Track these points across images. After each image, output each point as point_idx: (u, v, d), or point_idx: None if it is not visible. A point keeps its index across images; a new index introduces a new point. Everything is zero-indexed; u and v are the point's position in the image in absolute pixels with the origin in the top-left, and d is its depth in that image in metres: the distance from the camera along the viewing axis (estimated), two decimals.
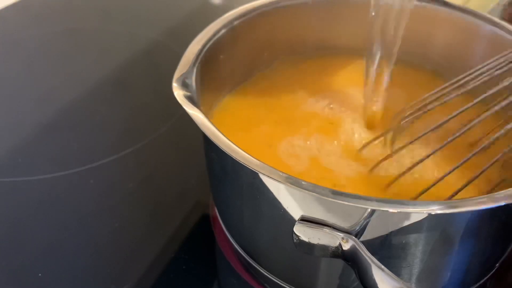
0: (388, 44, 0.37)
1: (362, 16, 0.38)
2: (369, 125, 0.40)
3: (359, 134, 0.39)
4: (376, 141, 0.37)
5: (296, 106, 0.42)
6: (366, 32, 0.38)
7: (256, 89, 0.44)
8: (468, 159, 0.32)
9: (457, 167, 0.31)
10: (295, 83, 0.45)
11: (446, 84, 0.36)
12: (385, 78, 0.38)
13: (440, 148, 0.33)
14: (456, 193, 0.31)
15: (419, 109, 0.35)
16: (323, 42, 0.48)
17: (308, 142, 0.38)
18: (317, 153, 0.37)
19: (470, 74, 0.35)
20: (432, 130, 0.34)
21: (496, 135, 0.32)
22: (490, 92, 0.33)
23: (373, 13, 0.37)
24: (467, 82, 0.35)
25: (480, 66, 0.36)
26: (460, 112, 0.33)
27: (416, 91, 0.39)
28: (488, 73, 0.35)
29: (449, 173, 0.31)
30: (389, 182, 0.34)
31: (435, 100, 0.35)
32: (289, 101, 0.43)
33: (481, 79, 0.35)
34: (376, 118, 0.39)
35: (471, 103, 0.33)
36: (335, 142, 0.38)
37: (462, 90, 0.35)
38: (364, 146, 0.37)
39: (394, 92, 0.41)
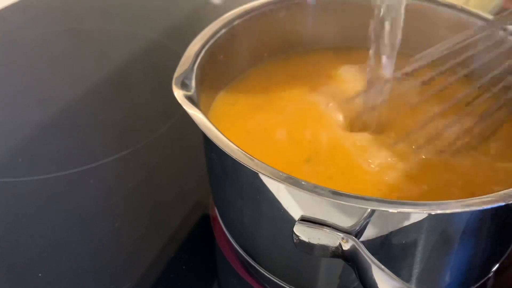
0: (389, 42, 0.37)
1: (363, 15, 0.38)
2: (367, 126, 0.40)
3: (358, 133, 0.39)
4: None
5: (293, 102, 0.42)
6: (366, 29, 0.38)
7: (253, 84, 0.44)
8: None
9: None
10: (293, 79, 0.45)
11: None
12: (387, 77, 0.38)
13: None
14: None
15: None
16: (324, 41, 0.48)
17: (305, 138, 0.38)
18: (314, 150, 0.37)
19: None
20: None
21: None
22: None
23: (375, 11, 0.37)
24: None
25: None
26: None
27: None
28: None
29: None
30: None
31: None
32: (287, 97, 0.43)
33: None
34: (376, 118, 0.39)
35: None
36: (332, 139, 0.38)
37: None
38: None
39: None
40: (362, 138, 0.37)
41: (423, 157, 0.36)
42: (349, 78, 0.44)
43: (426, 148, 0.36)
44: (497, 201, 0.27)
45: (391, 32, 0.37)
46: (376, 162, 0.35)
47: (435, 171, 0.35)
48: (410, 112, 0.39)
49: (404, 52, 0.39)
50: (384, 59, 0.38)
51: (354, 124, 0.39)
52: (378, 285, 0.25)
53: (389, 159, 0.36)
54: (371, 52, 0.38)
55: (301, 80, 0.45)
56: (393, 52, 0.38)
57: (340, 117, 0.40)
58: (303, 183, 0.27)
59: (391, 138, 0.37)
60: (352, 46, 0.47)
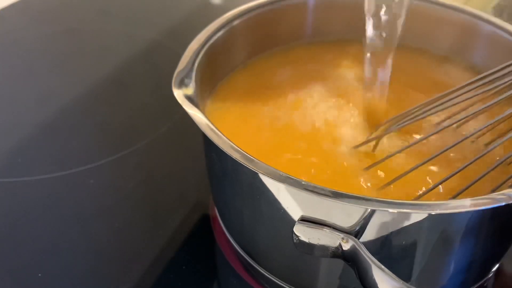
0: (387, 40, 0.37)
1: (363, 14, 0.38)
2: (370, 119, 0.39)
3: (358, 130, 0.39)
4: (369, 143, 0.36)
5: (293, 101, 0.42)
6: (364, 29, 0.38)
7: (252, 83, 0.44)
8: (471, 163, 0.32)
9: (459, 171, 0.31)
10: (292, 78, 0.45)
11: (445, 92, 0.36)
12: (385, 72, 0.38)
13: (442, 152, 0.32)
14: (457, 195, 0.31)
15: (412, 115, 0.35)
16: (323, 39, 0.48)
17: (303, 136, 0.38)
18: (313, 148, 0.37)
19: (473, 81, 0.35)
20: (430, 136, 0.33)
21: (505, 138, 0.32)
22: (496, 100, 0.33)
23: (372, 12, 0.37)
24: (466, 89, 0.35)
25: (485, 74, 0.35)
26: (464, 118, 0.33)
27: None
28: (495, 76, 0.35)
29: (451, 176, 0.31)
30: (384, 184, 0.33)
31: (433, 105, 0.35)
32: (286, 95, 0.43)
33: (486, 84, 0.35)
34: (378, 112, 0.39)
35: (478, 109, 0.33)
36: (332, 137, 0.38)
37: (465, 96, 0.34)
38: (357, 146, 0.36)
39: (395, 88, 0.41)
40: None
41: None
42: (349, 75, 0.44)
43: None
44: (497, 201, 0.27)
45: (389, 29, 0.37)
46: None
47: None
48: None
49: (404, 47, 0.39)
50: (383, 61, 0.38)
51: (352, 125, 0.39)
52: (378, 285, 0.25)
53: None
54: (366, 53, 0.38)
55: (300, 79, 0.45)
56: (389, 54, 0.38)
57: (340, 118, 0.40)
58: (303, 183, 0.27)
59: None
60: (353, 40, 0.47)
